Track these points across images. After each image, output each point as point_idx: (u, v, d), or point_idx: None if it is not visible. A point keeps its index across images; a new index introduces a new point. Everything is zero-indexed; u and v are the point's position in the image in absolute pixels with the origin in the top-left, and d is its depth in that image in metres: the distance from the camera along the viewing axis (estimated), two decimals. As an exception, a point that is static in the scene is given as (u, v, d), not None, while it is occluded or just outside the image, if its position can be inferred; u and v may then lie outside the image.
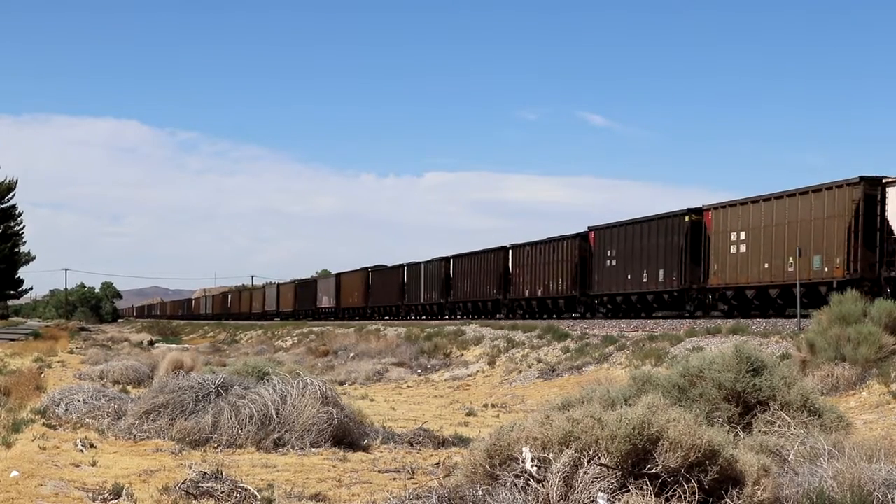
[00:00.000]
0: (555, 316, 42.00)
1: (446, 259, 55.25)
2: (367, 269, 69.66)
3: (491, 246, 49.51)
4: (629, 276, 36.22)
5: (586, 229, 40.01)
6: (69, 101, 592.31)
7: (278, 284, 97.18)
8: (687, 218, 33.15)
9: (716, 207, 31.97)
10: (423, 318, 56.68)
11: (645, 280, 35.24)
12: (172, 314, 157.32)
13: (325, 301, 77.64)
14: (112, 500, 8.47)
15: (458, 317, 51.62)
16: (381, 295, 65.84)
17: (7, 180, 63.39)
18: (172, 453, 11.19)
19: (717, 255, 31.37)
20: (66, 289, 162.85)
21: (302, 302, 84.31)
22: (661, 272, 34.01)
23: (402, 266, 62.16)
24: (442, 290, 54.90)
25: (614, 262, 37.30)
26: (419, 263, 58.75)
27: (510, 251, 47.26)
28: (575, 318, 38.60)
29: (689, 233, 33.00)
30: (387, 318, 63.18)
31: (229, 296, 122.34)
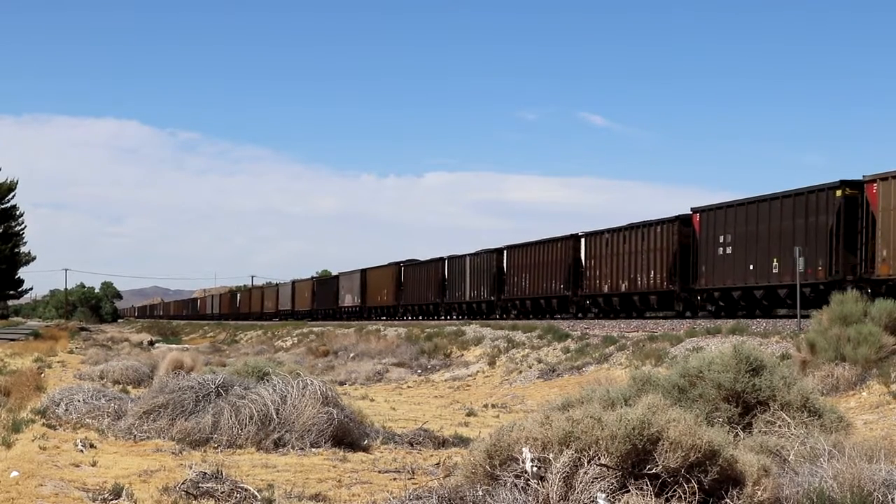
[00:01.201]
0: (647, 315, 36.52)
1: (499, 250, 48.58)
2: (398, 263, 63.10)
3: (554, 235, 43.65)
4: (751, 267, 29.77)
5: (689, 211, 33.59)
6: (70, 102, 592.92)
7: (293, 282, 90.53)
8: (839, 192, 26.82)
9: (883, 178, 25.55)
10: (470, 318, 49.48)
11: (775, 270, 28.94)
12: (176, 314, 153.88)
13: (349, 299, 71.56)
14: (112, 500, 8.46)
15: (514, 316, 45.92)
16: (416, 292, 59.45)
17: (8, 181, 63.43)
18: (172, 453, 11.19)
19: (888, 239, 25.29)
20: (66, 289, 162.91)
21: (321, 300, 78.81)
22: (802, 261, 26.79)
23: (441, 260, 55.86)
24: (493, 285, 48.46)
25: (729, 250, 31.01)
26: (464, 256, 52.40)
27: (582, 240, 40.98)
28: (675, 318, 32.75)
29: (841, 211, 26.62)
30: (423, 317, 57.44)
31: (238, 295, 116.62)
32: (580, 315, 40.51)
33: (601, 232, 39.39)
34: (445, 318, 52.56)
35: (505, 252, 48.04)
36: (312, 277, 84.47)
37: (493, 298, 48.61)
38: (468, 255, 51.69)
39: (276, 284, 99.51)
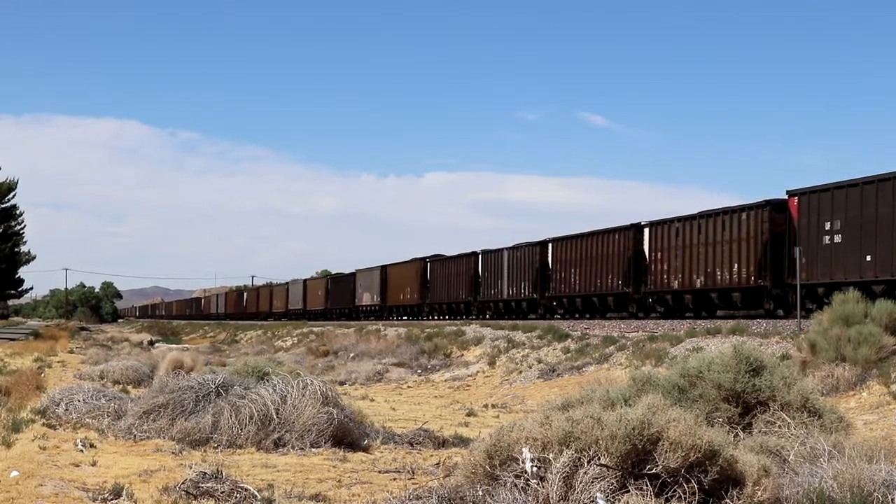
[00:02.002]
0: (720, 314, 32.03)
1: (542, 243, 43.57)
2: (423, 259, 58.11)
3: (610, 225, 38.85)
4: (867, 258, 26.02)
5: (784, 195, 29.44)
6: (70, 102, 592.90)
7: (305, 280, 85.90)
8: None
9: None
10: (509, 317, 45.27)
11: None
12: (179, 314, 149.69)
13: (367, 298, 66.66)
14: (112, 500, 8.47)
15: (560, 315, 41.59)
16: (444, 290, 54.21)
17: (8, 180, 63.45)
18: (172, 453, 11.19)
19: None
20: (66, 289, 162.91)
21: (336, 299, 73.99)
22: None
23: (473, 255, 50.56)
24: (536, 282, 43.44)
25: (838, 239, 27.07)
26: (501, 250, 47.29)
27: (646, 230, 35.95)
28: (765, 318, 28.94)
29: None
30: (452, 317, 52.08)
31: (245, 294, 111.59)
32: (640, 314, 35.75)
33: (669, 221, 34.61)
34: (479, 318, 47.00)
35: (550, 245, 43.01)
36: (326, 275, 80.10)
37: (535, 296, 43.56)
38: (506, 248, 46.75)
39: (286, 283, 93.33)
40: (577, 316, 39.96)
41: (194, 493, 8.56)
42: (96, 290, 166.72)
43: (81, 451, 11.09)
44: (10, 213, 64.35)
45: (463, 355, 31.73)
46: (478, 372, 27.88)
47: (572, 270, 40.94)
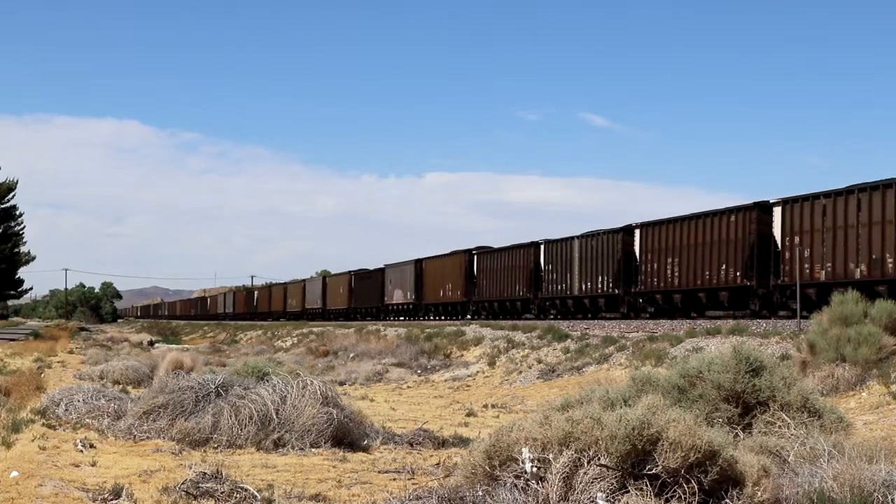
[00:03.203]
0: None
1: (627, 229, 36.66)
2: (468, 251, 51.20)
3: (721, 206, 31.65)
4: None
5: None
6: (70, 102, 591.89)
7: (325, 277, 79.49)
8: None
9: None
10: (582, 315, 38.86)
11: None
12: (183, 314, 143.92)
13: (399, 295, 60.02)
14: (112, 500, 8.47)
15: (650, 314, 35.00)
16: (495, 285, 47.19)
17: (7, 181, 63.50)
18: (172, 453, 11.19)
19: None
20: (66, 289, 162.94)
21: (361, 297, 67.48)
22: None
23: (533, 245, 43.46)
24: (618, 275, 36.66)
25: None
26: (570, 239, 40.42)
27: (776, 210, 28.97)
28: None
29: None
30: (506, 316, 45.09)
31: (256, 293, 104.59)
32: (765, 313, 28.84)
33: (815, 196, 27.45)
34: (542, 318, 40.85)
35: (637, 232, 36.07)
36: (349, 272, 71.24)
37: (617, 291, 36.70)
38: (577, 237, 39.87)
39: (303, 280, 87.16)
40: (676, 315, 32.47)
41: (194, 493, 8.56)
42: (96, 290, 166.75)
43: (81, 451, 11.09)
44: (10, 214, 64.41)
45: (463, 355, 31.74)
46: (478, 372, 27.88)
47: (669, 260, 33.56)
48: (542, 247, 42.81)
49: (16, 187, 63.97)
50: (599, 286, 38.12)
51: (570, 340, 27.66)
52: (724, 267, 30.61)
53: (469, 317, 48.62)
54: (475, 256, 50.18)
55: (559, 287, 41.01)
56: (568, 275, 40.24)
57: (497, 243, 50.87)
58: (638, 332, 26.92)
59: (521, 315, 44.00)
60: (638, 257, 35.77)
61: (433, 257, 56.31)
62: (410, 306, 58.63)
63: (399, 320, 55.50)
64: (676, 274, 33.24)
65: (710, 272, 31.36)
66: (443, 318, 52.29)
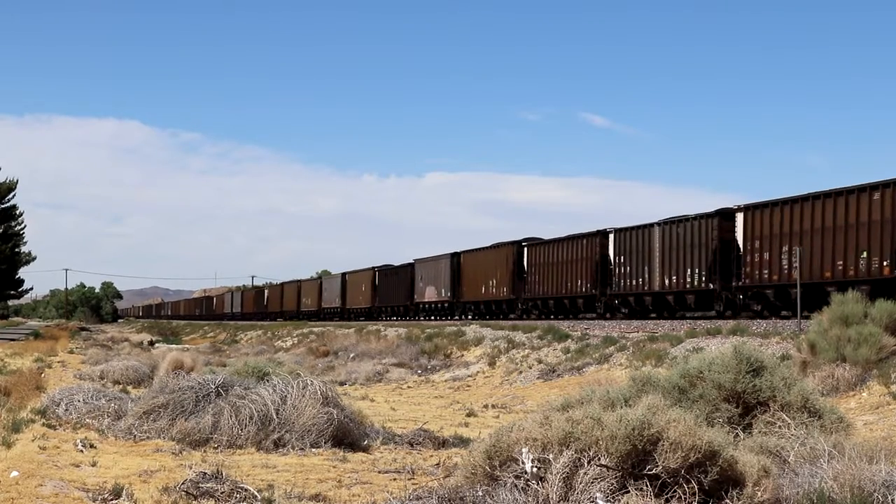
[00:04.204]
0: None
1: (724, 213, 31.27)
2: (516, 242, 45.39)
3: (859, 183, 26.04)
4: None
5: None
6: (71, 102, 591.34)
7: (345, 274, 72.16)
8: None
9: None
10: (670, 315, 33.34)
11: None
12: (187, 314, 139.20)
13: (431, 293, 54.69)
14: (112, 500, 8.47)
15: (754, 312, 29.23)
16: (549, 281, 41.64)
17: (7, 181, 63.53)
18: (172, 453, 11.19)
19: None
20: (66, 289, 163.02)
21: (387, 295, 62.24)
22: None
23: (600, 234, 38.10)
24: (712, 267, 31.16)
25: None
26: (649, 226, 34.93)
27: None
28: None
29: None
30: (563, 316, 40.03)
31: (266, 291, 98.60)
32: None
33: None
34: (609, 317, 36.63)
35: (739, 217, 30.40)
36: (373, 268, 66.05)
37: (712, 286, 31.18)
38: (657, 223, 34.53)
39: (319, 278, 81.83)
40: (794, 314, 25.17)
41: (194, 493, 8.56)
42: (96, 290, 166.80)
43: (81, 451, 11.09)
44: (10, 214, 64.45)
45: (463, 356, 31.74)
46: (478, 372, 27.88)
47: (777, 248, 28.53)
48: (612, 236, 37.45)
49: (16, 187, 64.03)
50: (688, 280, 32.58)
51: (570, 340, 27.66)
52: (874, 257, 25.43)
53: (517, 316, 43.60)
54: (525, 249, 44.37)
55: (634, 282, 35.57)
56: (646, 267, 34.80)
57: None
58: (638, 332, 26.92)
59: (583, 314, 39.07)
60: (742, 246, 30.04)
61: (473, 250, 50.50)
62: (445, 305, 52.92)
63: (431, 320, 50.16)
64: (780, 267, 28.35)
65: (843, 264, 26.28)
66: (486, 317, 46.64)
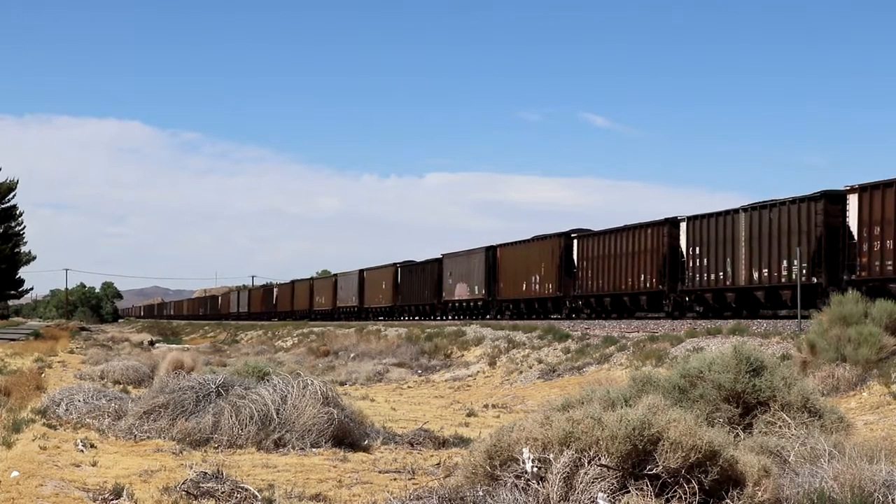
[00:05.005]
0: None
1: (831, 195, 26.93)
2: (563, 234, 40.97)
3: None
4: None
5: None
6: (72, 102, 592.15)
7: (363, 270, 67.33)
8: None
9: None
10: (755, 314, 29.72)
11: None
12: (191, 314, 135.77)
13: (463, 290, 50.11)
14: (112, 500, 8.47)
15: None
16: (602, 275, 37.42)
17: (8, 181, 63.56)
18: (173, 453, 11.19)
19: None
20: (66, 289, 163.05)
21: (410, 293, 58.11)
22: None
23: (669, 222, 33.71)
24: (814, 258, 26.85)
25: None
26: (732, 212, 30.51)
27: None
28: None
29: None
30: (625, 315, 36.27)
31: (275, 290, 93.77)
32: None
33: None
34: (678, 316, 32.33)
35: (852, 199, 26.05)
36: (394, 264, 61.55)
37: (815, 280, 26.78)
38: (743, 209, 30.20)
39: (334, 276, 75.66)
40: None
41: (195, 493, 8.56)
42: (96, 290, 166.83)
43: (82, 451, 11.09)
44: (11, 214, 64.51)
45: (463, 355, 31.73)
46: (478, 372, 27.88)
47: None
48: (684, 224, 33.04)
49: (16, 187, 64.09)
50: (783, 274, 28.14)
51: (570, 340, 27.66)
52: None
53: (565, 315, 39.91)
54: (575, 241, 40.08)
55: (714, 276, 31.16)
56: (728, 259, 30.39)
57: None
58: (638, 331, 26.92)
59: (646, 312, 35.41)
60: (856, 233, 25.67)
61: (512, 244, 46.01)
62: (479, 303, 48.36)
63: (460, 320, 46.11)
64: None
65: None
66: (528, 316, 42.67)
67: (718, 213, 31.32)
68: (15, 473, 9.18)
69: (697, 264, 32.07)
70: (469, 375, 27.69)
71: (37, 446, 11.10)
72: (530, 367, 25.92)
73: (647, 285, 34.62)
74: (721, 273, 30.84)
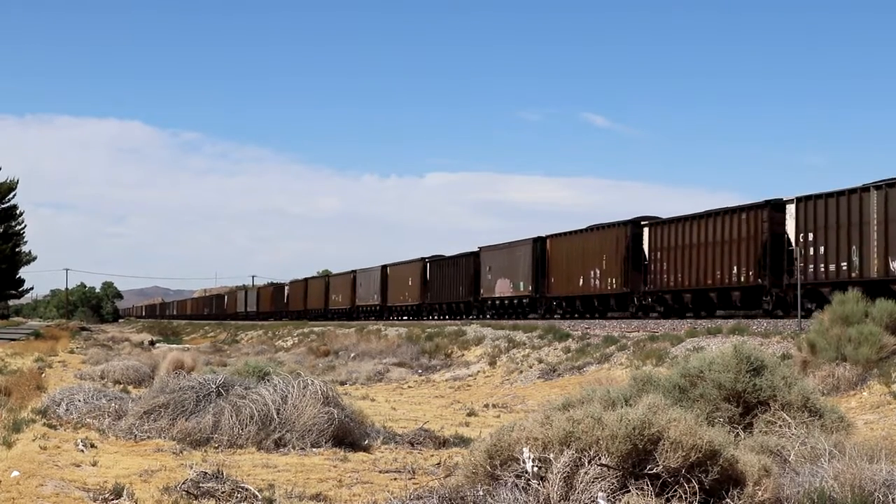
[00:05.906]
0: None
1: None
2: (630, 222, 36.34)
3: None
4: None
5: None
6: (72, 102, 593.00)
7: (385, 266, 61.98)
8: None
9: None
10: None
11: None
12: (195, 314, 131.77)
13: (505, 287, 45.08)
14: (113, 500, 8.47)
15: None
16: (684, 269, 32.56)
17: (8, 180, 63.56)
18: (173, 453, 11.19)
19: None
20: (66, 289, 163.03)
21: (441, 290, 53.04)
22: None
23: (770, 204, 28.77)
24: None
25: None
26: (860, 190, 25.30)
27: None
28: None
29: None
30: (711, 313, 31.15)
31: (286, 288, 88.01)
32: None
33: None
34: (783, 315, 27.29)
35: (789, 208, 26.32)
36: (422, 259, 56.16)
37: None
38: (874, 185, 24.81)
39: (352, 271, 68.76)
40: None
41: (195, 493, 8.56)
42: (97, 290, 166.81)
43: (82, 451, 11.09)
44: (11, 213, 64.52)
45: (463, 355, 31.72)
46: (478, 372, 27.88)
47: None
48: (794, 206, 27.54)
49: (16, 187, 64.10)
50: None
51: (570, 340, 27.66)
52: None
53: (632, 314, 35.66)
54: (646, 229, 35.23)
55: (833, 268, 26.01)
56: (854, 247, 25.27)
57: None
58: (639, 331, 26.92)
59: (739, 309, 30.18)
60: None
61: (565, 234, 41.28)
62: (525, 300, 43.58)
63: (513, 318, 42.43)
64: None
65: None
66: (585, 315, 38.49)
67: (841, 192, 25.97)
68: (15, 473, 9.18)
69: (814, 253, 26.62)
70: (469, 375, 27.69)
71: (37, 446, 11.10)
72: (531, 367, 25.92)
73: (741, 279, 29.78)
74: (844, 264, 25.58)
